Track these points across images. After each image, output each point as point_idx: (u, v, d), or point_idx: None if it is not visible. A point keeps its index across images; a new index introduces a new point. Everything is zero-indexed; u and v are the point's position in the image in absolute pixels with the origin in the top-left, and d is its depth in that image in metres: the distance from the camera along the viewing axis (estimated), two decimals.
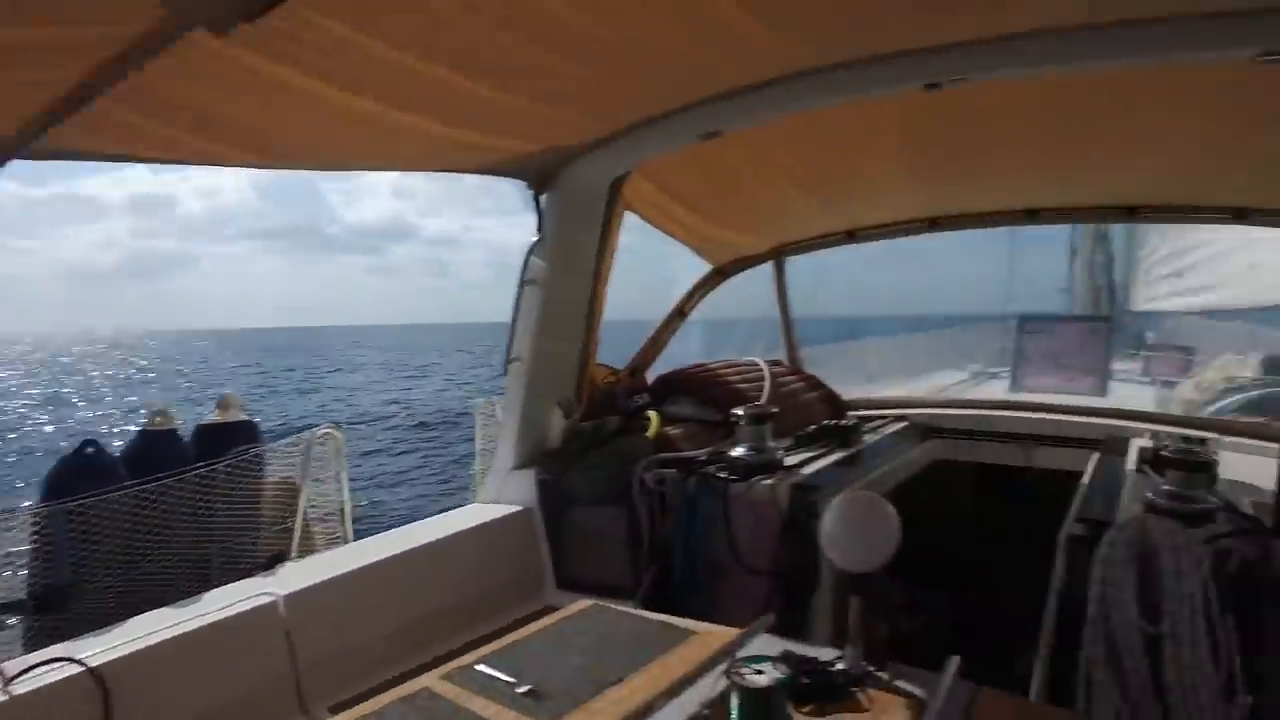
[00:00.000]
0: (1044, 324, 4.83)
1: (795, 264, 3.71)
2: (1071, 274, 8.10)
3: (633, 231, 2.90)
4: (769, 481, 2.19)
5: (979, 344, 7.03)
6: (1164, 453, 1.98)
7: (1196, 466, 1.90)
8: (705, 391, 2.91)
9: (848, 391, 3.62)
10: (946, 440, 3.28)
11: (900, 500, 3.02)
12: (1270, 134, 2.14)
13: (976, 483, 3.28)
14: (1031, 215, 3.09)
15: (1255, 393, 4.29)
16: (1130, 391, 5.26)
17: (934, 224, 3.24)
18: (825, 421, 2.86)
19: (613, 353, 3.19)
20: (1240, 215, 2.80)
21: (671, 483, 2.28)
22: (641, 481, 2.31)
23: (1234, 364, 4.93)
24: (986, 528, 3.16)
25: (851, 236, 3.40)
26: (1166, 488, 1.91)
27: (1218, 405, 4.21)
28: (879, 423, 3.22)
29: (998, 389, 5.29)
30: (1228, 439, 2.85)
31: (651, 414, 2.69)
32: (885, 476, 2.70)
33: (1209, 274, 7.66)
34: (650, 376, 3.19)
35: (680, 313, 3.40)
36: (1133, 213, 2.97)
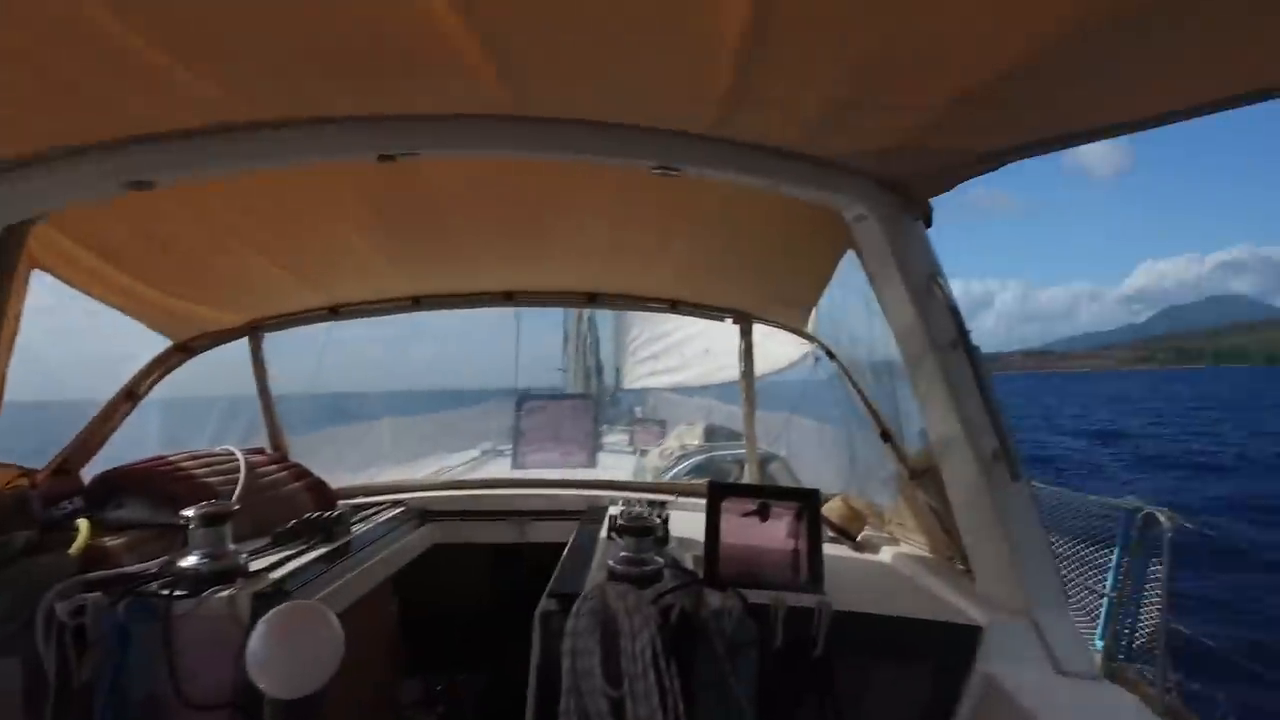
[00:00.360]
0: (540, 402, 5.23)
1: (295, 338, 3.46)
2: (566, 355, 9.09)
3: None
4: (226, 593, 1.89)
5: (492, 421, 7.40)
6: (620, 520, 2.20)
7: (643, 531, 2.15)
8: (161, 490, 2.47)
9: (344, 478, 3.45)
10: (445, 523, 3.29)
11: (400, 589, 2.92)
12: (678, 236, 2.61)
13: (477, 564, 3.34)
14: (509, 298, 3.32)
15: (701, 457, 5.13)
16: (616, 462, 5.98)
17: (418, 303, 3.29)
18: (309, 514, 2.65)
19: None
20: (673, 306, 3.38)
21: (95, 610, 1.83)
22: (50, 613, 1.82)
23: (686, 433, 5.91)
24: (491, 609, 3.22)
25: (335, 313, 3.28)
26: (623, 553, 2.12)
27: (674, 470, 4.97)
28: (373, 510, 3.10)
29: (505, 466, 5.58)
30: (681, 499, 3.33)
31: (81, 523, 2.18)
32: (377, 567, 2.59)
33: (678, 357, 9.21)
34: (91, 476, 2.64)
35: (130, 395, 2.88)
36: (593, 299, 3.39)
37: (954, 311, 1.81)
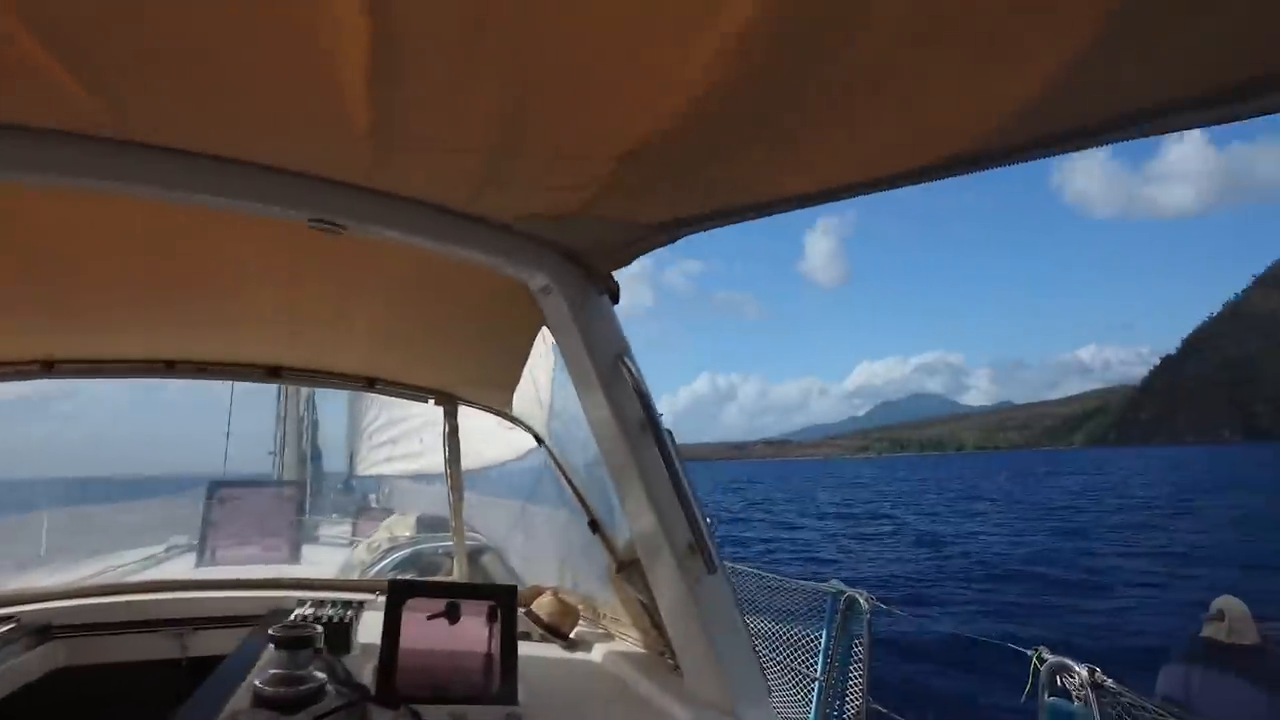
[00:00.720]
0: (237, 490, 4.66)
1: None
2: (278, 437, 8.11)
3: None
4: None
5: (189, 511, 6.43)
6: (272, 630, 1.89)
7: (298, 642, 1.85)
8: None
9: None
10: (74, 640, 2.71)
11: None
12: (366, 305, 2.36)
13: (121, 689, 2.78)
14: (170, 367, 2.86)
15: (408, 550, 4.66)
16: (329, 556, 5.40)
17: (50, 368, 2.75)
18: None
19: None
20: (370, 384, 3.11)
21: None
22: None
23: (397, 523, 5.41)
24: None
25: None
26: (273, 670, 1.82)
27: (380, 565, 4.50)
28: None
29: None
30: (383, 598, 3.02)
31: None
32: None
33: (417, 442, 8.69)
34: None
35: None
36: (276, 373, 3.01)
37: (642, 394, 1.73)
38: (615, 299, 1.76)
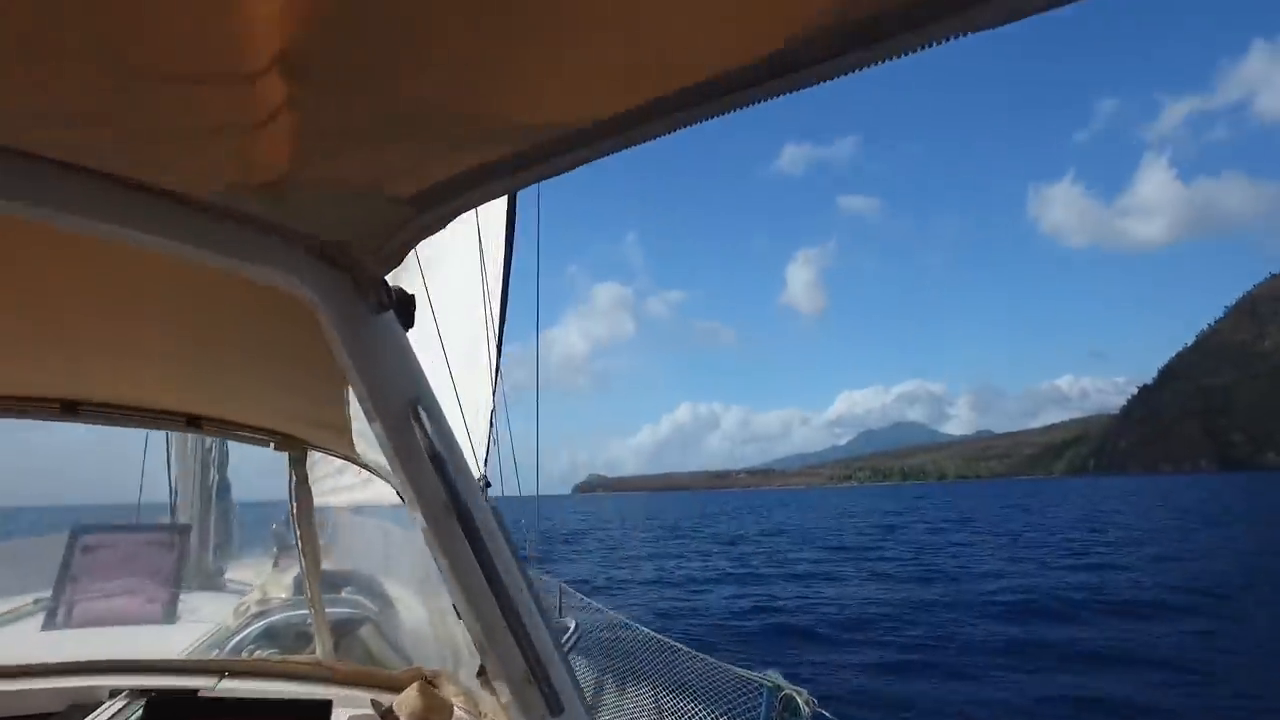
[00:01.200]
0: (108, 536, 4.06)
1: None
2: (170, 474, 7.22)
3: None
4: None
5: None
6: None
7: None
8: None
9: None
10: None
11: None
12: (158, 325, 1.83)
13: None
14: None
15: (275, 617, 3.93)
16: (221, 611, 4.72)
17: None
18: None
19: None
20: (194, 424, 2.58)
21: None
22: None
23: (272, 582, 4.60)
24: None
25: None
26: None
27: (239, 637, 3.78)
28: None
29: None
30: (233, 681, 2.50)
31: None
32: None
33: (360, 471, 8.09)
34: None
35: None
36: (72, 410, 2.45)
37: (438, 461, 1.21)
38: (407, 321, 1.24)
